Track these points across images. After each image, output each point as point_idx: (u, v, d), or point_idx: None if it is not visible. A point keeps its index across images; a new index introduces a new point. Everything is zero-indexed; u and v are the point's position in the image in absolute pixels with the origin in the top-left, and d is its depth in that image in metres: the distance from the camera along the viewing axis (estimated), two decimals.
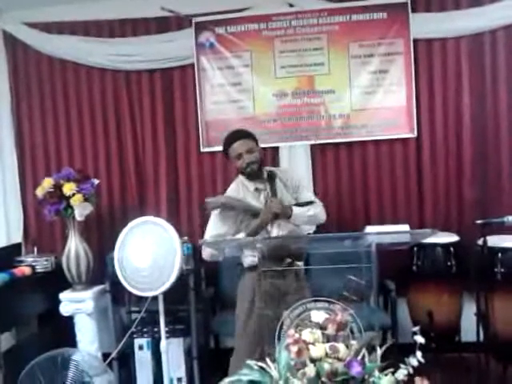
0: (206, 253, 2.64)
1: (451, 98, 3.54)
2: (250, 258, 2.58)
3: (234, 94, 3.68)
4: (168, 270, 2.55)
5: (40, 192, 3.33)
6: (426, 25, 3.50)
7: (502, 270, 2.93)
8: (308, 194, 2.77)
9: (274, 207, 2.55)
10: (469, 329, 3.10)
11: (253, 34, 3.63)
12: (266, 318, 2.27)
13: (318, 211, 2.68)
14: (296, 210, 2.60)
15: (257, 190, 2.69)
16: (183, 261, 3.21)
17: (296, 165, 3.60)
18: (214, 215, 2.65)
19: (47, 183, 3.31)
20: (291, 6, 3.61)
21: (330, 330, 1.62)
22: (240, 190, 2.72)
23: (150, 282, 2.58)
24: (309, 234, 2.76)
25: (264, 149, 3.34)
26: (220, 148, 3.61)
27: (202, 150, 3.72)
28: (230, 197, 2.68)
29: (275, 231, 2.58)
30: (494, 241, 2.93)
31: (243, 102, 3.68)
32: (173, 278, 2.54)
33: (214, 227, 2.64)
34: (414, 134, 3.57)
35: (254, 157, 2.62)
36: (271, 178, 2.66)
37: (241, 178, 2.73)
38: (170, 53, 3.66)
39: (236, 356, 2.65)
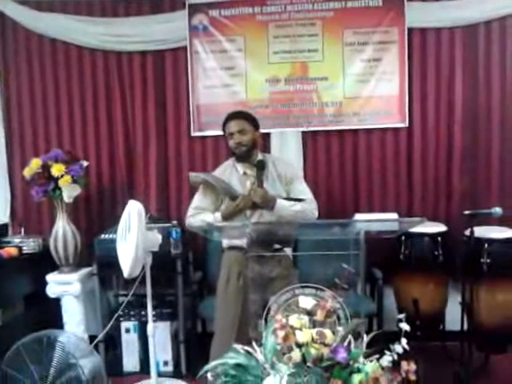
0: (189, 222, 2.72)
1: (444, 89, 3.54)
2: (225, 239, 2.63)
3: (227, 79, 3.65)
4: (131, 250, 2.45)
5: (28, 173, 3.29)
6: (421, 14, 3.48)
7: (488, 260, 2.95)
8: (301, 189, 2.73)
9: (254, 196, 2.55)
10: (453, 318, 3.13)
11: (247, 18, 3.59)
12: (252, 302, 2.31)
13: (306, 208, 2.64)
14: (281, 202, 2.60)
15: (245, 174, 2.69)
16: (173, 245, 3.25)
17: (287, 151, 3.59)
18: (200, 188, 2.72)
19: (35, 164, 3.27)
20: None
21: (319, 316, 1.63)
22: (227, 171, 2.73)
23: (122, 264, 2.54)
24: None
25: None
26: (211, 132, 3.65)
27: (192, 134, 3.70)
28: (212, 175, 2.70)
29: (255, 220, 2.59)
30: (481, 232, 2.96)
31: (235, 86, 3.65)
32: (131, 256, 2.41)
33: (198, 199, 2.74)
34: (406, 124, 3.57)
35: (245, 139, 2.63)
36: (260, 165, 2.65)
37: (233, 159, 2.74)
38: (162, 35, 3.61)
39: (215, 332, 2.72)
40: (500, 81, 3.50)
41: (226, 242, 2.73)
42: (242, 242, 2.49)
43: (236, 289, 2.62)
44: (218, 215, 2.63)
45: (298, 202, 2.62)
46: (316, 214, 2.69)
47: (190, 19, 3.61)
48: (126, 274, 2.49)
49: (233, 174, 2.71)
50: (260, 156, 2.74)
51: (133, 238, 2.40)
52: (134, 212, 2.45)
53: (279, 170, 2.72)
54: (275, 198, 2.59)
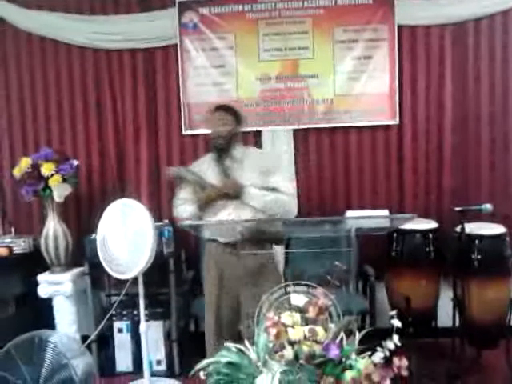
0: (176, 211, 2.69)
1: (434, 86, 3.56)
2: (207, 232, 2.61)
3: (217, 77, 3.64)
4: (141, 252, 2.54)
5: (18, 172, 3.26)
6: (411, 11, 3.50)
7: (479, 256, 2.97)
8: (276, 180, 2.57)
9: (225, 187, 2.53)
10: (445, 314, 3.15)
11: (237, 16, 3.58)
12: (231, 298, 2.34)
13: (281, 199, 2.51)
14: (250, 190, 2.49)
15: (219, 166, 2.63)
16: (165, 244, 3.24)
17: (278, 149, 3.60)
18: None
19: (25, 163, 3.25)
20: None
21: (311, 313, 1.62)
22: (204, 163, 2.69)
23: (126, 265, 2.56)
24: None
25: (247, 132, 3.32)
26: (202, 131, 3.63)
27: (183, 132, 3.69)
28: (187, 170, 2.66)
29: (226, 212, 2.53)
30: (472, 228, 2.97)
31: (226, 84, 3.64)
32: (144, 261, 2.51)
33: (182, 189, 2.68)
34: (396, 121, 3.58)
35: (225, 131, 2.57)
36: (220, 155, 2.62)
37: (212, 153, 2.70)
38: (152, 33, 3.59)
39: (206, 329, 2.67)
40: (489, 78, 3.52)
41: (206, 235, 2.70)
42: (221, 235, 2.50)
43: (215, 280, 2.59)
44: (195, 208, 2.60)
45: (271, 192, 2.51)
46: (293, 207, 2.57)
47: (180, 17, 3.59)
48: (130, 274, 2.55)
49: (208, 166, 2.67)
50: (239, 150, 2.67)
51: (149, 240, 2.47)
52: (144, 214, 2.51)
53: (258, 162, 2.62)
54: (244, 186, 2.50)
